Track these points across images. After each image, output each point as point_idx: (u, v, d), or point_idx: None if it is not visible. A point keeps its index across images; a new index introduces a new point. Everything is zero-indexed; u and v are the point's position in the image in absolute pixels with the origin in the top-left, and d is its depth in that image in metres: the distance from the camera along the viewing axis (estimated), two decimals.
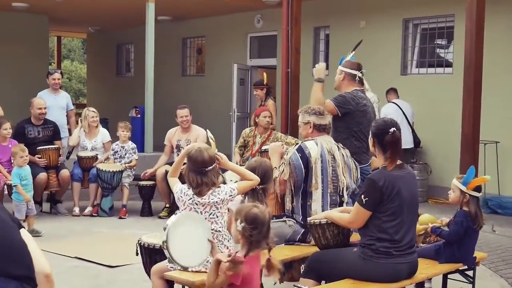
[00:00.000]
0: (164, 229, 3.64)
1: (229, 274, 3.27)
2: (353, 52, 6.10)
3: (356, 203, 4.08)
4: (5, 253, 2.43)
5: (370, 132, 4.20)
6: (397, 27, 11.45)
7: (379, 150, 4.09)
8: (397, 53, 11.46)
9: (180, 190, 4.06)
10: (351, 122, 5.64)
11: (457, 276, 4.77)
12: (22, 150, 7.53)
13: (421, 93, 10.99)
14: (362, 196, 4.00)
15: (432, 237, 5.01)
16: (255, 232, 3.30)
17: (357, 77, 5.83)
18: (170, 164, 8.62)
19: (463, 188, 4.61)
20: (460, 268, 4.68)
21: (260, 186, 4.33)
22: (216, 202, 4.03)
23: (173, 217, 3.76)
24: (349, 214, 4.16)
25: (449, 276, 4.77)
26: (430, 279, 4.99)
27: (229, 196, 4.09)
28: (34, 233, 7.10)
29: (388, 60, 11.50)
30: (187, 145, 8.62)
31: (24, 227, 2.74)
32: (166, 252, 3.72)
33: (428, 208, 9.20)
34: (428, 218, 4.97)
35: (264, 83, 9.82)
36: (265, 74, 10.16)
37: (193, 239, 3.64)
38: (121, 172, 8.56)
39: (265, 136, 7.86)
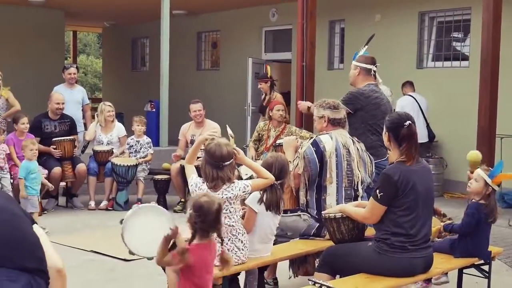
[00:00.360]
0: (121, 222, 3.75)
1: (174, 259, 3.29)
2: (366, 46, 6.08)
3: (371, 198, 4.06)
4: (17, 246, 2.42)
5: (384, 127, 4.18)
6: (413, 20, 11.38)
7: (394, 144, 4.07)
8: (413, 46, 11.39)
9: (195, 183, 4.07)
10: (365, 116, 5.65)
11: (472, 270, 4.74)
12: (32, 143, 7.58)
13: (437, 86, 10.92)
14: (377, 191, 3.99)
15: (447, 232, 4.99)
16: (199, 220, 3.31)
17: (372, 71, 5.83)
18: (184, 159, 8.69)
19: (489, 181, 4.56)
20: (476, 263, 4.65)
21: (278, 182, 4.34)
22: (230, 197, 4.04)
23: (130, 210, 3.86)
24: (364, 209, 4.15)
25: (464, 270, 4.75)
26: (447, 273, 4.97)
27: (243, 192, 4.10)
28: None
29: (404, 53, 11.44)
30: None
31: (36, 223, 2.74)
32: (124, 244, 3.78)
33: (444, 203, 9.16)
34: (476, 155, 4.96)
35: (268, 76, 9.84)
36: (269, 67, 10.17)
37: (153, 230, 3.63)
38: (136, 166, 8.59)
39: (279, 130, 7.82)
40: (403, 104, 10.04)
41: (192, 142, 8.71)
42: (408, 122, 4.02)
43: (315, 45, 9.78)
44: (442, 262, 4.39)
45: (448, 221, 4.76)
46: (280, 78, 15.21)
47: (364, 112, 5.63)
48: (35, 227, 2.66)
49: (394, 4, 11.62)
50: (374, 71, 5.87)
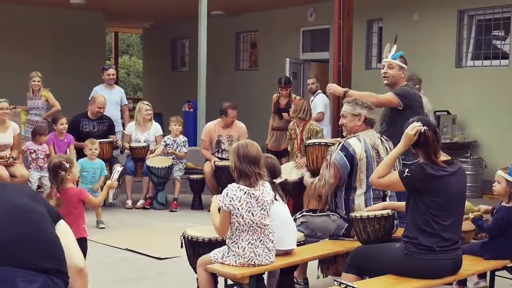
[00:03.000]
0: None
1: None
2: (395, 46, 5.98)
3: (397, 171, 4.09)
4: (34, 246, 2.41)
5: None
6: (451, 19, 11.23)
7: (416, 150, 4.05)
8: (451, 45, 11.24)
9: (231, 190, 4.10)
10: (412, 115, 5.56)
11: (504, 273, 4.68)
12: (91, 143, 7.95)
13: (477, 85, 10.76)
14: (407, 170, 4.00)
15: (484, 234, 4.93)
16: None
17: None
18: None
19: (510, 179, 4.51)
20: (508, 265, 4.58)
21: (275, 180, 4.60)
22: (266, 201, 4.14)
23: None
24: (386, 177, 4.15)
25: (496, 273, 4.68)
26: (485, 278, 4.92)
27: (272, 201, 4.23)
28: (100, 224, 7.47)
29: (443, 52, 11.29)
30: (227, 140, 8.77)
31: (62, 218, 2.73)
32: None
33: (483, 203, 9.00)
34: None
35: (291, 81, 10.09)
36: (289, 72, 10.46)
37: None
38: (172, 165, 8.68)
39: (301, 127, 7.95)
40: None
41: (218, 142, 8.80)
42: (422, 128, 3.98)
43: (352, 45, 9.73)
44: (471, 264, 4.34)
45: (477, 213, 4.70)
46: (318, 78, 15.18)
47: (411, 110, 5.56)
48: (61, 224, 2.67)
49: (433, 2, 11.49)
50: None
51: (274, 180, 4.58)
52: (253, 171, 4.10)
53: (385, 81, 5.85)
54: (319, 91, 10.45)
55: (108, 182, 5.57)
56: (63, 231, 2.64)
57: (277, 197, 4.45)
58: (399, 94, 5.61)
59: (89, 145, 7.99)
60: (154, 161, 8.67)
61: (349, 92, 5.77)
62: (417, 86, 7.13)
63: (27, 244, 2.39)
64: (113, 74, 9.79)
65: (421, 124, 3.98)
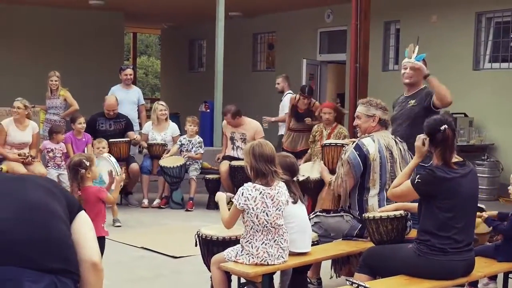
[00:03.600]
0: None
1: None
2: (417, 47, 5.96)
3: (409, 180, 4.11)
4: (41, 247, 2.37)
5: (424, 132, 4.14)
6: (469, 21, 11.19)
7: (432, 148, 4.05)
8: (469, 47, 11.20)
9: (247, 189, 4.13)
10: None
11: None
12: (98, 142, 8.10)
13: (494, 88, 10.71)
14: (417, 176, 4.02)
15: (499, 237, 4.92)
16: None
17: None
18: (228, 158, 8.79)
19: None
20: None
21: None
22: (281, 201, 4.16)
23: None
24: (399, 187, 4.18)
25: (510, 275, 4.67)
26: (496, 280, 4.91)
27: (286, 201, 4.25)
28: (116, 222, 7.56)
29: (460, 55, 11.25)
30: (240, 138, 8.86)
31: (83, 209, 2.69)
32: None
33: (499, 207, 8.96)
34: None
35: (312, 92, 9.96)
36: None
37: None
38: (185, 164, 8.73)
39: (329, 130, 7.97)
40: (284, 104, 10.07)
41: (231, 139, 8.97)
42: (444, 127, 3.99)
43: (369, 46, 9.73)
44: (484, 266, 4.34)
45: (492, 214, 4.70)
46: (334, 79, 15.20)
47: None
48: (81, 215, 2.63)
49: (451, 4, 11.45)
50: None
51: (294, 179, 4.59)
52: (270, 169, 4.14)
53: (407, 80, 5.77)
54: (289, 91, 10.34)
55: (117, 177, 5.62)
56: (82, 224, 2.61)
57: (296, 198, 4.48)
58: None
59: (96, 144, 8.08)
60: (167, 161, 8.73)
61: (430, 78, 5.56)
62: None
63: (35, 244, 2.37)
64: (130, 74, 9.84)
65: (442, 124, 3.99)
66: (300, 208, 4.55)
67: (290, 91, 10.32)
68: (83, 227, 2.61)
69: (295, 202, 4.47)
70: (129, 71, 9.87)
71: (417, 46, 5.92)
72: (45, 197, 2.53)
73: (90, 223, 2.69)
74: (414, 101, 5.72)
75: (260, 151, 4.18)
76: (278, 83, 10.67)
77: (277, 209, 4.14)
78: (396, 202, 4.57)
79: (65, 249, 2.45)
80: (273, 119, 10.35)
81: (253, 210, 4.08)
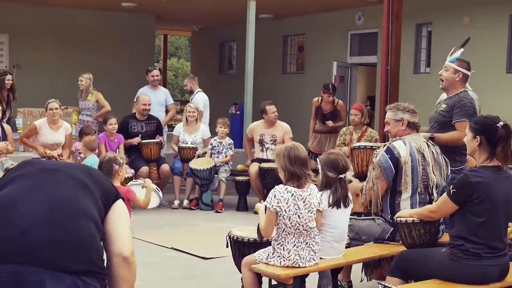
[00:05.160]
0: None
1: None
2: (462, 49, 5.82)
3: (444, 193, 4.06)
4: (63, 248, 2.37)
5: (471, 132, 4.06)
6: (503, 23, 11.05)
7: (486, 147, 3.96)
8: (502, 50, 11.06)
9: (279, 192, 4.13)
10: None
11: None
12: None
13: None
14: (451, 186, 3.97)
15: None
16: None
17: (468, 78, 5.64)
18: (257, 160, 8.78)
19: None
20: None
21: (343, 175, 4.48)
22: (313, 203, 4.15)
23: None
24: (433, 204, 4.13)
25: None
26: None
27: (318, 203, 4.22)
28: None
29: (493, 57, 11.11)
30: (270, 140, 8.85)
31: (122, 198, 2.68)
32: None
33: None
34: None
35: (335, 89, 9.83)
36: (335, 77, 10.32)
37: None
38: (214, 166, 8.74)
39: (359, 133, 7.95)
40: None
41: (261, 142, 8.90)
42: (501, 123, 3.96)
43: (400, 49, 9.65)
44: None
45: None
46: (365, 82, 15.13)
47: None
48: (117, 206, 2.61)
49: (483, 6, 11.32)
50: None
51: (341, 176, 4.47)
52: (304, 172, 4.14)
53: (440, 85, 5.65)
54: (198, 89, 10.23)
55: (148, 182, 5.61)
56: (116, 215, 2.60)
57: (339, 202, 4.41)
58: (469, 114, 5.31)
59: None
60: (197, 163, 8.76)
61: (435, 136, 5.35)
62: None
63: (59, 246, 2.36)
64: (157, 76, 9.87)
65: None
66: (343, 214, 4.47)
67: (200, 90, 10.14)
68: (117, 218, 2.61)
69: (337, 206, 4.40)
70: (156, 72, 9.90)
71: (462, 49, 5.76)
72: (75, 193, 2.53)
73: (126, 213, 2.69)
74: (445, 106, 5.56)
75: (296, 154, 4.17)
76: (185, 85, 10.55)
77: (309, 211, 4.13)
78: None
79: (89, 250, 2.44)
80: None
81: (286, 212, 4.07)
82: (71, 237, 2.40)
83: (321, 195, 4.33)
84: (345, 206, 4.46)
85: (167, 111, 9.97)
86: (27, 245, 2.34)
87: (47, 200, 2.46)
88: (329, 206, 4.38)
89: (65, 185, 2.54)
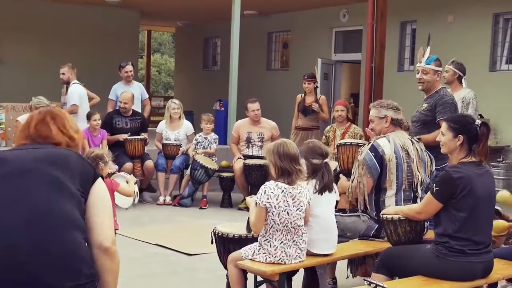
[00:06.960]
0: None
1: None
2: (429, 47, 5.92)
3: (428, 192, 4.08)
4: (51, 263, 2.33)
5: (450, 131, 4.08)
6: (486, 22, 11.13)
7: (467, 145, 4.01)
8: (486, 48, 11.14)
9: (269, 187, 4.10)
10: None
11: None
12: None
13: (511, 90, 10.64)
14: (434, 185, 4.00)
15: None
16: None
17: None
18: (243, 157, 8.74)
19: None
20: None
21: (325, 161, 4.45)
22: (302, 201, 4.13)
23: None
24: (418, 204, 4.15)
25: None
26: None
27: (308, 202, 4.18)
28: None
29: (477, 56, 11.18)
30: (258, 137, 8.81)
31: (102, 177, 2.64)
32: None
33: None
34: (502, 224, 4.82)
35: (316, 76, 9.89)
36: (316, 69, 10.31)
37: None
38: (214, 171, 8.68)
39: (343, 129, 7.93)
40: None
41: (248, 139, 8.86)
42: (479, 121, 4.02)
43: (385, 46, 9.68)
44: (503, 268, 4.30)
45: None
46: (349, 79, 15.16)
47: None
48: (96, 190, 2.53)
49: (467, 5, 11.39)
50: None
51: (326, 161, 4.45)
52: (294, 168, 4.13)
53: (420, 87, 5.80)
54: (74, 81, 9.32)
55: (132, 179, 5.57)
56: (98, 200, 2.54)
57: (325, 187, 4.39)
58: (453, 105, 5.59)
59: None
60: (207, 161, 8.63)
61: (422, 138, 5.43)
62: None
63: (46, 262, 2.32)
64: (131, 71, 9.72)
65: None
66: (327, 203, 4.43)
67: (76, 81, 9.36)
68: (96, 205, 2.55)
69: (324, 191, 4.38)
70: (130, 67, 9.75)
71: (428, 47, 5.87)
72: (53, 198, 2.45)
73: (106, 193, 2.62)
74: (426, 105, 5.71)
75: (285, 150, 4.15)
76: (63, 73, 9.37)
77: (297, 209, 4.11)
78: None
79: (77, 262, 2.39)
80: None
81: (275, 208, 4.06)
82: (55, 253, 2.35)
83: (307, 184, 4.31)
84: (329, 192, 4.44)
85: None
86: (14, 260, 2.29)
87: (28, 210, 2.39)
88: (315, 192, 4.34)
89: (40, 191, 2.44)
